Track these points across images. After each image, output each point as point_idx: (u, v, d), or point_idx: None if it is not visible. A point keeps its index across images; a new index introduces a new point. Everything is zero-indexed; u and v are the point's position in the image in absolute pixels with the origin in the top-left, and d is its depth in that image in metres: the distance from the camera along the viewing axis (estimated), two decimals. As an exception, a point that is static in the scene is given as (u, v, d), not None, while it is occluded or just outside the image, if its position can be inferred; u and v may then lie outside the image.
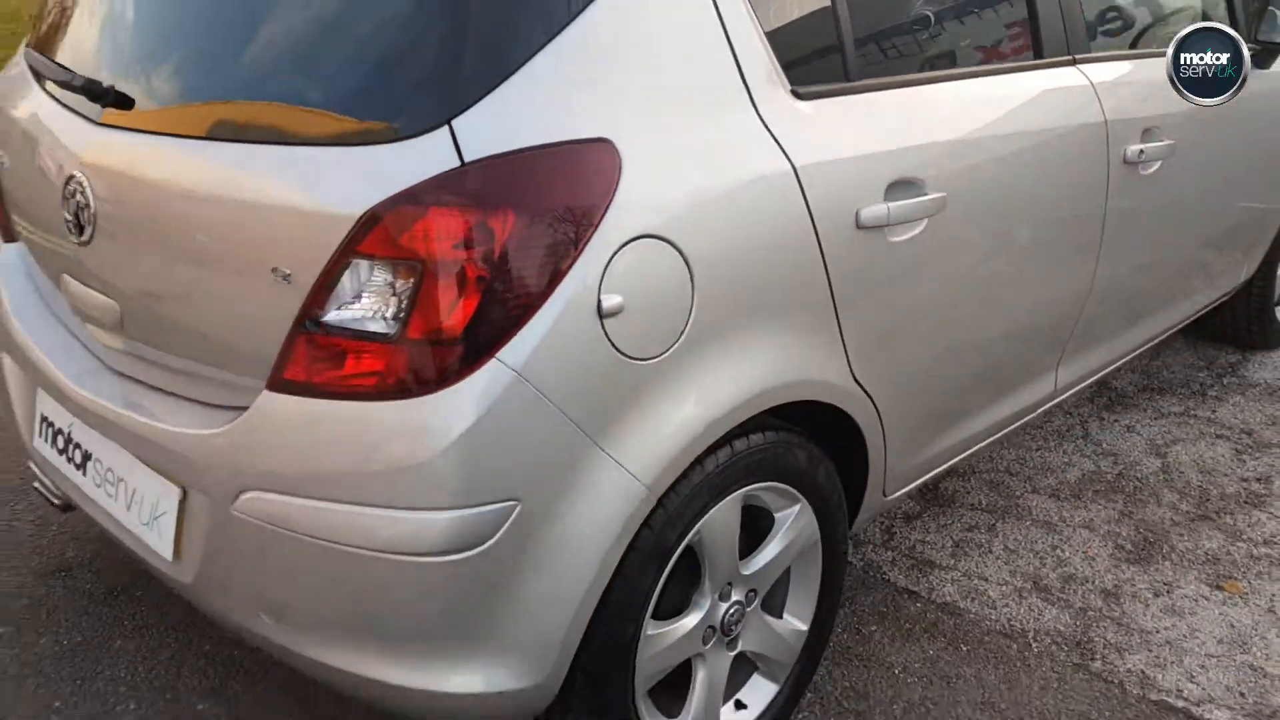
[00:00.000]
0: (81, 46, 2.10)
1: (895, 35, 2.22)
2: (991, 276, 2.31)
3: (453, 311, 1.52)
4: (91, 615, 2.50)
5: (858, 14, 2.01)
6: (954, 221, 2.10)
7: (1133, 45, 2.83)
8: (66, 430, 2.11)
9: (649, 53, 1.70)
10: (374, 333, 1.56)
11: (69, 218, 1.90)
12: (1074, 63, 2.49)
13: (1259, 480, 3.12)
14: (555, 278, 1.55)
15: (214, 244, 1.71)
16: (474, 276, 1.52)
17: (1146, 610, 2.57)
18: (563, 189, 1.57)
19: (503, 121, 1.56)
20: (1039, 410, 2.75)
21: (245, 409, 1.71)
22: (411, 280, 1.52)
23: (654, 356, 1.66)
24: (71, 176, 1.89)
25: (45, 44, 2.20)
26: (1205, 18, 3.09)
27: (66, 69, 1.98)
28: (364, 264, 1.54)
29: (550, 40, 1.60)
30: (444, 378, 1.54)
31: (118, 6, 2.06)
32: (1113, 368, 3.03)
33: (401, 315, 1.54)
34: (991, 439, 2.60)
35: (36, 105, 2.09)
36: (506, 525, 1.59)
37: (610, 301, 1.59)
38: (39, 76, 2.14)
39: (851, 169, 1.92)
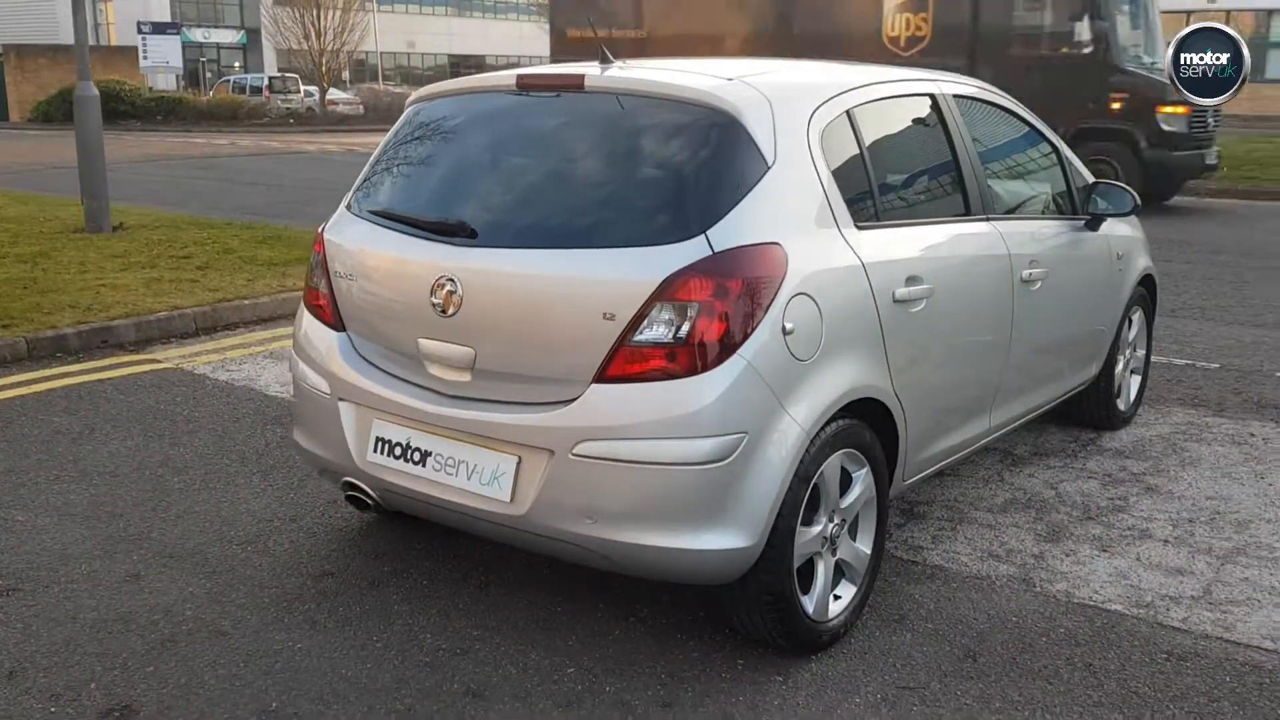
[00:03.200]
0: (430, 200, 3.48)
1: (895, 200, 3.77)
2: (956, 339, 3.82)
3: (712, 330, 2.91)
4: (369, 594, 3.66)
5: (883, 190, 3.55)
6: (939, 302, 3.61)
7: (1011, 211, 4.48)
8: (405, 441, 3.35)
9: (793, 200, 3.18)
10: (670, 342, 2.92)
11: (437, 302, 3.21)
12: (988, 220, 4.09)
13: (1119, 498, 4.62)
14: (763, 311, 2.96)
15: (560, 305, 3.06)
16: (720, 311, 2.91)
17: (1063, 563, 3.99)
18: (761, 266, 2.99)
19: (731, 232, 3.01)
20: (979, 444, 4.23)
21: (570, 400, 3.03)
22: (690, 314, 2.91)
23: (807, 359, 3.07)
24: (440, 278, 3.21)
25: (391, 202, 3.56)
26: (1053, 202, 4.77)
27: (425, 218, 3.35)
28: (664, 306, 2.92)
29: (750, 190, 3.07)
30: (708, 365, 2.91)
31: (473, 172, 3.47)
32: (1019, 422, 4.55)
33: (686, 332, 2.91)
34: (953, 457, 4.05)
35: (394, 240, 3.42)
36: (740, 447, 2.94)
37: (788, 325, 3.00)
38: (387, 222, 3.47)
39: (889, 268, 3.41)
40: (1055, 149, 4.77)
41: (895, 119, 3.85)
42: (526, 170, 3.46)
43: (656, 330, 2.95)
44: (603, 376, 3.01)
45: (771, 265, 3.02)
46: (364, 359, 3.54)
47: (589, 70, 3.39)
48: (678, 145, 3.22)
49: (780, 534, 3.08)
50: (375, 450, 3.44)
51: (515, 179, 3.45)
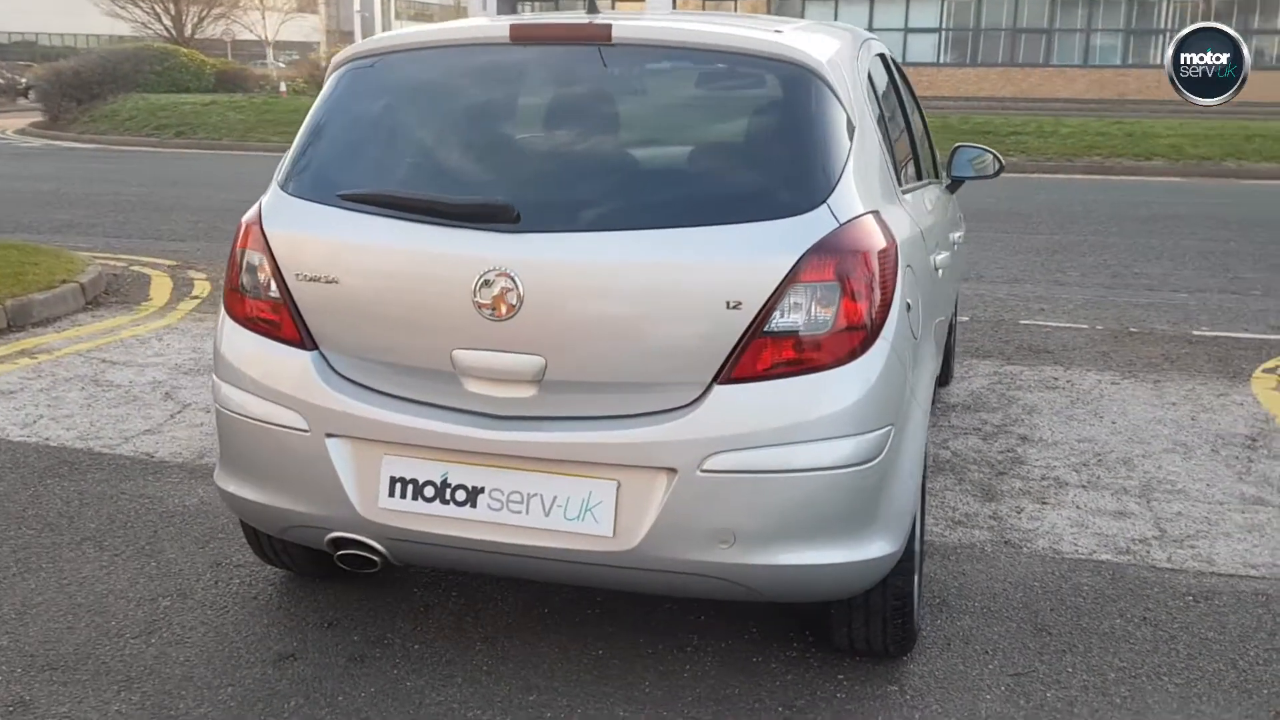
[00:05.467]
0: (444, 179, 2.79)
1: (906, 164, 3.57)
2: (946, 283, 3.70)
3: (856, 312, 2.56)
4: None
5: (898, 154, 3.33)
6: (949, 270, 3.45)
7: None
8: (439, 479, 2.70)
9: (873, 164, 2.87)
10: (811, 330, 2.54)
11: (484, 304, 2.59)
12: (933, 183, 4.01)
13: (1008, 451, 4.76)
14: (893, 286, 2.65)
15: (670, 296, 2.57)
16: (860, 290, 2.58)
17: (1021, 520, 4.02)
18: (883, 237, 2.68)
19: (848, 200, 2.67)
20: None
21: (686, 407, 2.56)
22: (831, 295, 2.54)
23: (918, 337, 2.80)
24: (486, 274, 2.59)
25: (375, 182, 2.83)
26: (931, 161, 4.79)
27: (448, 201, 2.68)
28: (801, 289, 2.53)
29: (849, 154, 2.73)
30: (861, 349, 2.57)
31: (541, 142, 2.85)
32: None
33: (828, 317, 2.54)
34: None
35: (400, 231, 2.71)
36: (889, 442, 2.62)
37: (909, 301, 2.72)
38: (377, 209, 2.75)
39: (929, 236, 3.21)
40: (920, 108, 4.78)
41: (882, 78, 3.64)
42: (576, 141, 2.88)
43: (793, 317, 2.55)
44: (729, 376, 2.57)
45: (888, 235, 2.71)
46: (352, 382, 2.80)
47: (615, 20, 2.87)
48: (769, 106, 2.81)
49: (910, 532, 2.80)
50: (391, 494, 2.74)
51: (563, 151, 2.86)
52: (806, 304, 2.55)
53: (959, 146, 4.75)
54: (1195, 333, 6.89)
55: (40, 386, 5.50)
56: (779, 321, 2.54)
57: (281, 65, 42.63)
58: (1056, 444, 4.84)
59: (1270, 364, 6.15)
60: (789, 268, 2.53)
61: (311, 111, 3.04)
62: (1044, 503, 4.19)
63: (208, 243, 9.89)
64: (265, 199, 2.96)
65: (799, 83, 2.76)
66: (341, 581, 3.42)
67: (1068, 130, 18.99)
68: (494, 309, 2.61)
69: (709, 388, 2.58)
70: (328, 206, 2.84)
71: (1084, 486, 4.35)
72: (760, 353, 2.56)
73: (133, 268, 8.59)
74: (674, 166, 2.79)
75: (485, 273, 2.60)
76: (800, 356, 2.56)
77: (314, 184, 2.92)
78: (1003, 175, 4.85)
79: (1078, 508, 4.14)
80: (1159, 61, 35.77)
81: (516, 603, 3.33)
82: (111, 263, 8.60)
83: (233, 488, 2.98)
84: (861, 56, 3.20)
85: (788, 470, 2.55)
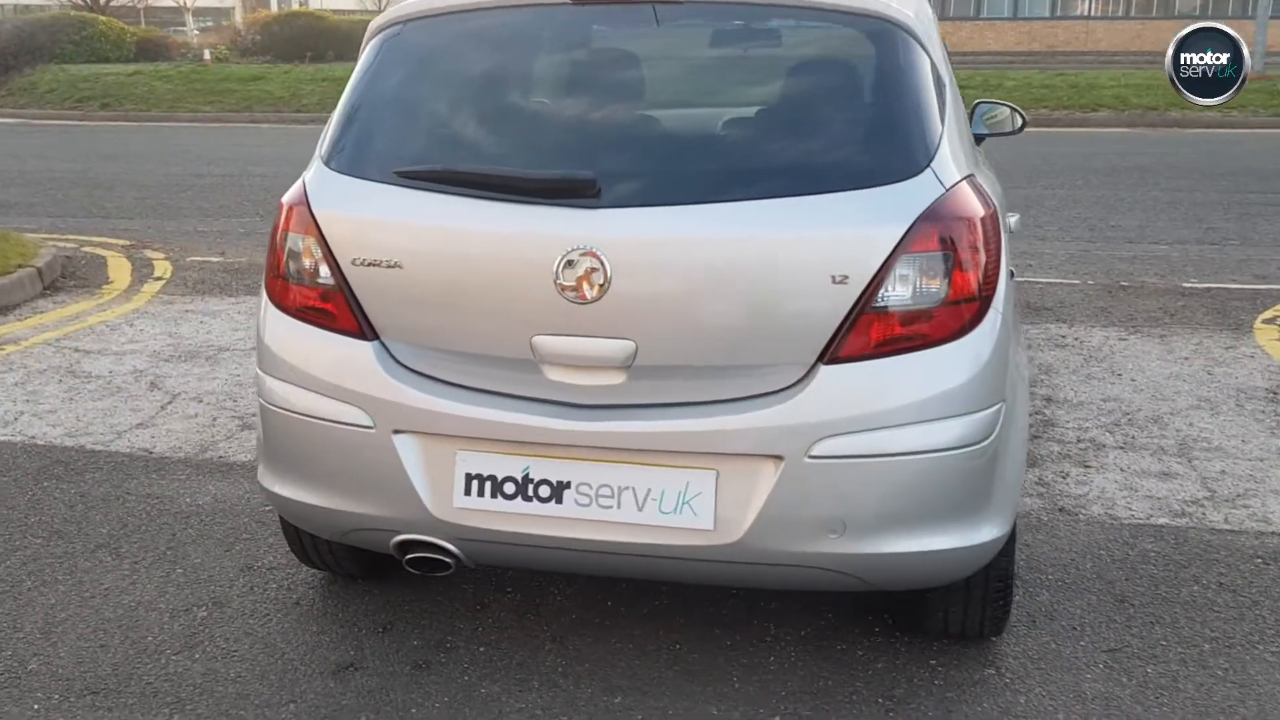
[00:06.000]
0: (515, 152, 2.58)
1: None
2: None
3: (971, 280, 2.42)
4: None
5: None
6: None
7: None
8: (521, 474, 2.52)
9: (962, 128, 2.71)
10: (922, 303, 2.39)
11: (567, 285, 2.40)
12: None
13: (1038, 413, 4.67)
14: (998, 253, 2.50)
15: (769, 270, 2.39)
16: (971, 259, 2.43)
17: (1070, 485, 3.93)
18: (986, 202, 2.53)
19: (949, 164, 2.52)
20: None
21: (790, 389, 2.41)
22: (942, 266, 2.39)
23: (1016, 304, 2.66)
24: (571, 253, 2.40)
25: (437, 157, 2.61)
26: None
27: (525, 176, 2.48)
28: (911, 259, 2.38)
29: (945, 115, 2.57)
30: (972, 323, 2.43)
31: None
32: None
33: (940, 289, 2.39)
34: None
35: (471, 209, 2.50)
36: (1001, 418, 2.48)
37: (1012, 269, 2.57)
38: (440, 187, 2.54)
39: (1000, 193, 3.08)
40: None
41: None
42: (653, 107, 2.68)
43: (903, 290, 2.39)
44: (835, 355, 2.41)
45: (986, 200, 2.56)
46: (418, 374, 2.60)
47: (685, -27, 2.66)
48: (861, 64, 2.63)
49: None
50: (467, 492, 2.55)
51: (642, 119, 2.66)
52: (916, 276, 2.40)
53: (978, 102, 4.62)
54: (1185, 285, 6.88)
55: (14, 380, 5.17)
56: (888, 295, 2.39)
57: (198, 32, 41.38)
58: (1082, 404, 4.76)
59: (1268, 314, 6.15)
60: (898, 237, 2.37)
61: (353, 80, 2.80)
62: (1086, 466, 4.10)
63: (158, 219, 9.48)
64: (309, 176, 2.72)
65: (891, 39, 2.59)
66: (387, 581, 3.22)
67: (1013, 84, 19.03)
68: (578, 291, 2.41)
69: (814, 368, 2.42)
70: (385, 184, 2.61)
71: (1122, 448, 4.27)
72: (869, 329, 2.40)
73: (85, 249, 8.18)
74: (763, 132, 2.61)
75: (568, 252, 2.41)
76: (911, 332, 2.41)
77: (366, 160, 2.69)
78: None
79: (1121, 470, 4.06)
80: (1086, 13, 36.17)
81: (577, 596, 3.16)
82: (61, 244, 8.18)
83: (284, 490, 2.76)
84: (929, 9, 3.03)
85: (900, 454, 2.40)
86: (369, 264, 2.57)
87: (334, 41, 27.25)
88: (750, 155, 2.56)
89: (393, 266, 2.55)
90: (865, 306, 2.39)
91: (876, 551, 2.45)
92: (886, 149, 2.51)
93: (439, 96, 2.77)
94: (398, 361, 2.61)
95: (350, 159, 2.70)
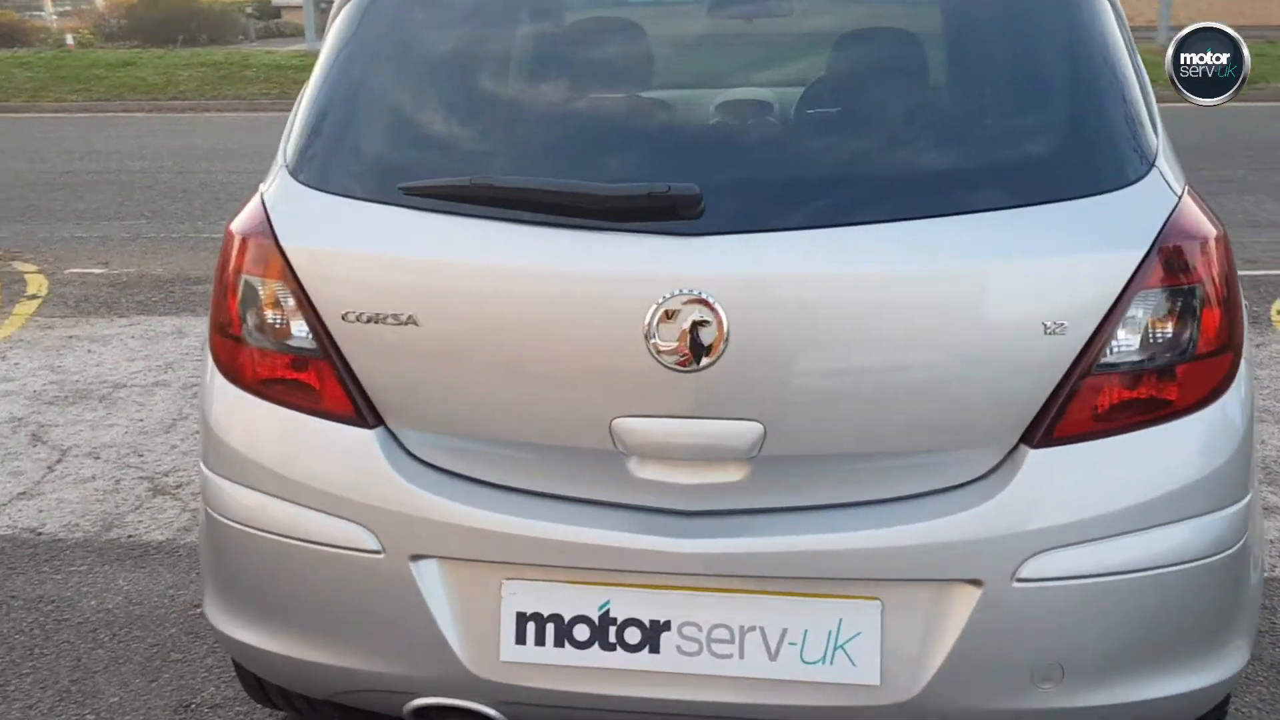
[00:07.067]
0: (577, 160, 1.82)
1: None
2: None
3: (1223, 323, 1.76)
4: None
5: None
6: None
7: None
8: (596, 613, 1.78)
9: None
10: (1168, 358, 1.72)
11: (665, 347, 1.67)
12: None
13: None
14: (1237, 284, 1.85)
15: (947, 316, 1.70)
16: (1217, 295, 1.77)
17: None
18: (1210, 213, 1.87)
19: (1172, 166, 1.84)
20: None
21: (981, 482, 1.72)
22: (1192, 303, 1.73)
23: None
24: (669, 299, 1.67)
25: (459, 166, 1.83)
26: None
27: (596, 192, 1.72)
28: (1153, 296, 1.70)
29: (1155, 114, 1.89)
30: (1225, 382, 1.77)
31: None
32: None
33: (1190, 335, 1.72)
34: None
35: (515, 238, 1.75)
36: (1248, 514, 1.83)
37: (1245, 302, 1.91)
38: (469, 207, 1.77)
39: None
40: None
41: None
42: (763, 95, 1.94)
43: (1140, 339, 1.72)
44: (1048, 434, 1.72)
45: (1212, 213, 1.90)
46: (445, 472, 1.84)
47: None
48: (1045, 30, 1.91)
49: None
50: (521, 639, 1.80)
51: (756, 104, 1.91)
52: (1157, 318, 1.72)
53: None
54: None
55: None
56: (1121, 347, 1.71)
57: (57, 16, 38.99)
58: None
59: (1281, 304, 5.71)
60: (1134, 265, 1.70)
61: (328, 58, 1.99)
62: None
63: (27, 225, 8.34)
64: (270, 192, 1.92)
65: (1080, 7, 1.90)
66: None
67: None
68: (680, 353, 1.68)
69: (1016, 452, 1.73)
70: (385, 205, 1.83)
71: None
72: (1095, 396, 1.72)
73: (-62, 262, 7.08)
74: (925, 125, 1.88)
75: (666, 298, 1.67)
76: (1150, 397, 1.74)
77: (355, 169, 1.90)
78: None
79: None
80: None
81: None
82: (-89, 257, 7.06)
83: (247, 636, 1.97)
84: None
85: (1142, 570, 1.73)
86: (368, 319, 1.79)
87: (206, 24, 25.87)
88: (915, 153, 1.84)
89: (404, 323, 1.77)
90: (1090, 364, 1.70)
91: (1101, 703, 1.78)
92: (1099, 143, 1.82)
93: (456, 80, 1.99)
94: (413, 456, 1.84)
95: (331, 169, 1.90)
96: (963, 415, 1.73)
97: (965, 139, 1.85)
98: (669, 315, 1.67)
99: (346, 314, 1.80)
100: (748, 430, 1.72)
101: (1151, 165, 1.78)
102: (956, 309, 1.71)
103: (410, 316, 1.77)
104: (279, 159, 1.97)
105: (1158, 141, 1.83)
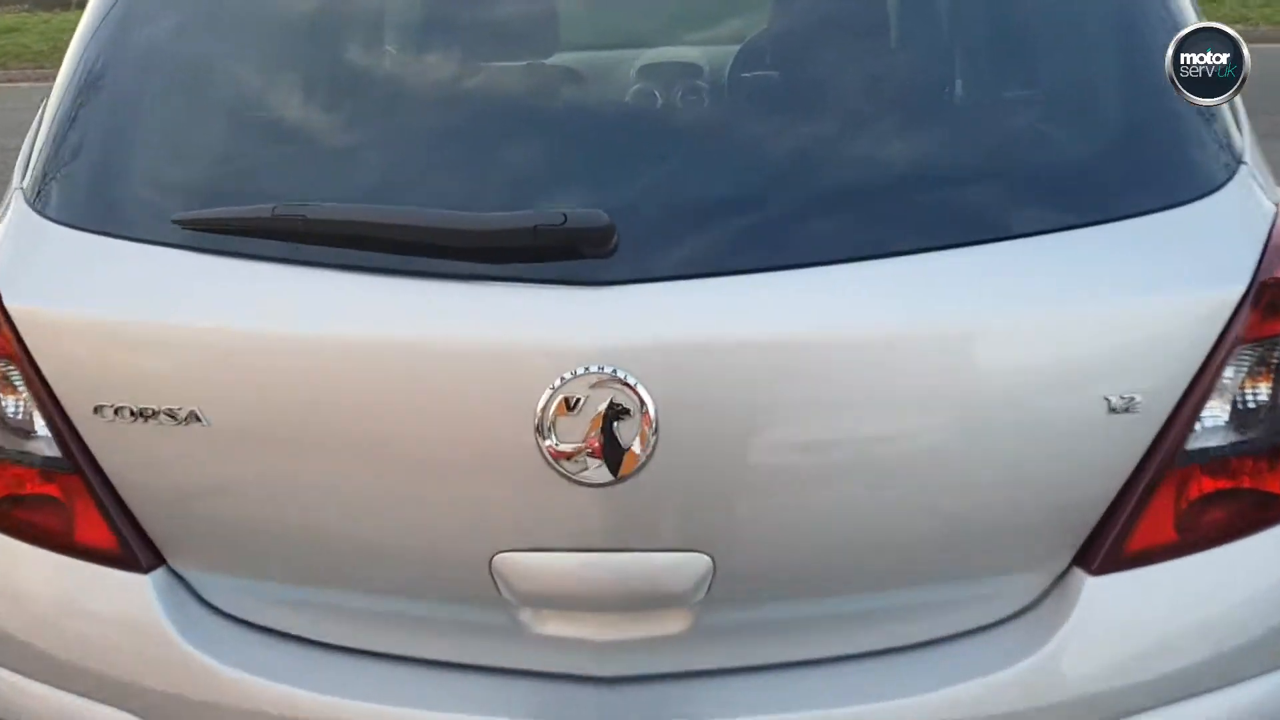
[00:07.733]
0: (469, 178, 1.26)
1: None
2: None
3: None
4: None
5: None
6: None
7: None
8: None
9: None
10: (1264, 443, 1.22)
11: (564, 448, 1.13)
12: None
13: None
14: None
15: (965, 395, 1.17)
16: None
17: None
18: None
19: (1262, 170, 1.35)
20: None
21: (1008, 621, 1.22)
22: None
23: None
24: (567, 380, 1.13)
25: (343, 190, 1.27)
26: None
27: (507, 223, 1.16)
28: (1256, 349, 1.20)
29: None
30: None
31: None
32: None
33: None
34: None
35: (384, 295, 1.18)
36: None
37: None
38: (279, 249, 1.21)
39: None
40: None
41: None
42: (705, 78, 1.39)
43: (1242, 414, 1.21)
44: (1116, 553, 1.21)
45: None
46: (252, 628, 1.28)
47: None
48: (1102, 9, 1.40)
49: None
50: None
51: (688, 88, 1.33)
52: (1264, 380, 1.22)
53: None
54: None
55: None
56: (1215, 423, 1.20)
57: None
58: None
59: None
60: (1232, 307, 1.18)
61: (80, 45, 1.40)
62: None
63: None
64: None
65: None
66: None
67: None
68: (587, 457, 1.13)
69: (1066, 580, 1.22)
70: (157, 246, 1.25)
71: None
72: (1180, 495, 1.21)
73: None
74: (941, 124, 1.31)
75: (565, 380, 1.12)
76: (1260, 491, 1.23)
77: (113, 196, 1.31)
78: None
79: None
80: None
81: None
82: None
83: None
84: None
85: None
86: (132, 414, 1.22)
87: (100, -16, 24.66)
88: (916, 155, 1.28)
89: (183, 421, 1.20)
90: (1174, 452, 1.19)
91: None
92: (1166, 135, 1.31)
93: (260, 65, 1.41)
94: (208, 606, 1.28)
95: (79, 196, 1.32)
96: (992, 532, 1.22)
97: (983, 133, 1.32)
98: (569, 404, 1.12)
99: (100, 407, 1.23)
100: (689, 565, 1.18)
101: (1239, 164, 1.28)
102: (984, 382, 1.19)
103: (192, 412, 1.20)
104: (15, 179, 1.39)
105: (1244, 134, 1.33)
